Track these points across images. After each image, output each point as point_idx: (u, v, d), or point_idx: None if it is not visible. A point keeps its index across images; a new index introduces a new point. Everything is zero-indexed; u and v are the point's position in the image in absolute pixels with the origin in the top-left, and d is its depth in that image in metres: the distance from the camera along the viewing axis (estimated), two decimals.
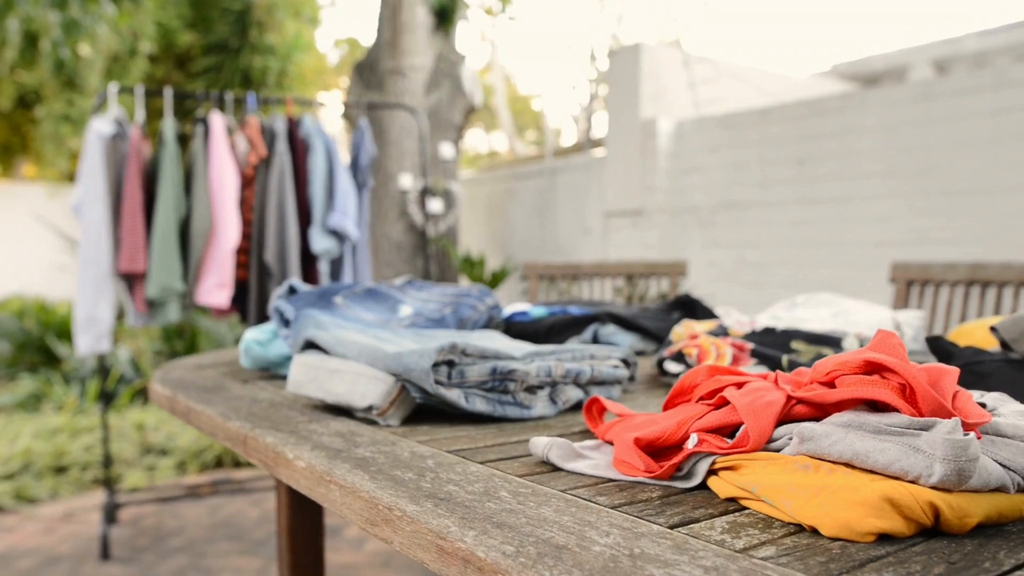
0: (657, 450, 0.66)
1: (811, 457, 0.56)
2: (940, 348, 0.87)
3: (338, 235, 3.06)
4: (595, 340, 1.49)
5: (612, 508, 0.58)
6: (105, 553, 2.76)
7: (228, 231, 2.74)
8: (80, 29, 5.39)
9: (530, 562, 0.48)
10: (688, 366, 1.13)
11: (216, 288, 2.64)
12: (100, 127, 2.66)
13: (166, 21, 8.41)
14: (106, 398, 2.99)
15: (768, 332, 1.14)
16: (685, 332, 1.21)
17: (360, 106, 3.89)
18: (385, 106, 4.12)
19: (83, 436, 3.93)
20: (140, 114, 2.94)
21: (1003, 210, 3.09)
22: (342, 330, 1.02)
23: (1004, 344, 0.83)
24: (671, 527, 0.54)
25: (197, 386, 1.18)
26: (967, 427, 0.53)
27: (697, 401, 0.68)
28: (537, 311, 1.55)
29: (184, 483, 3.57)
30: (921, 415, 0.54)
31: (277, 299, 1.25)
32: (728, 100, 4.76)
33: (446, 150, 4.55)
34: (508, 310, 1.58)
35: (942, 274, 1.94)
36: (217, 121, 2.88)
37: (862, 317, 1.45)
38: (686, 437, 0.63)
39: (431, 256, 4.64)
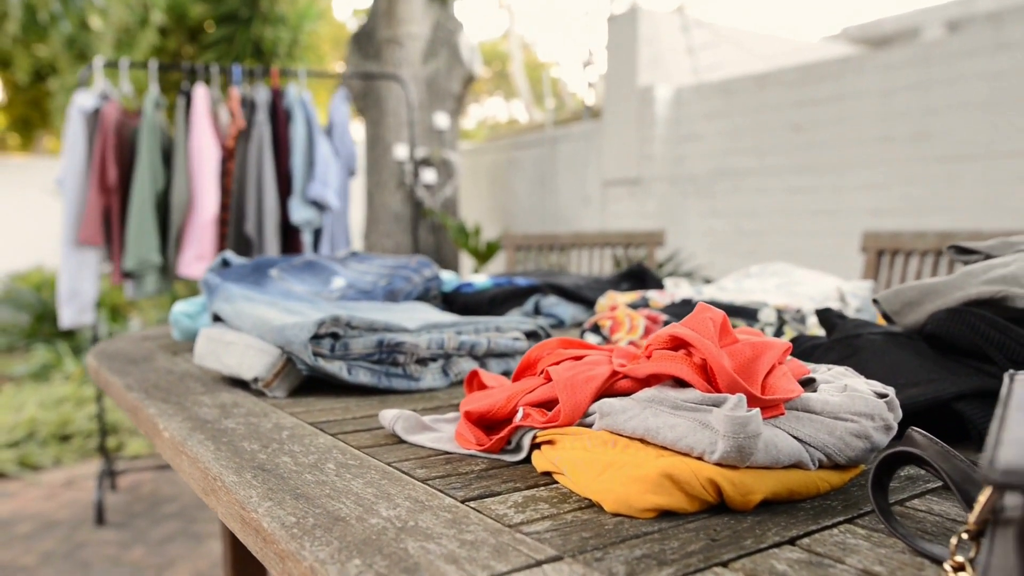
0: (494, 423, 0.66)
1: (611, 433, 0.55)
2: (827, 320, 0.86)
3: (319, 205, 3.07)
4: (537, 311, 1.49)
5: (422, 481, 0.58)
6: (100, 518, 2.83)
7: (206, 203, 2.76)
8: (78, 2, 5.41)
9: (301, 533, 0.48)
10: (604, 338, 1.12)
11: (195, 260, 2.67)
12: (82, 101, 2.68)
13: None
14: None
15: (685, 303, 1.13)
16: (607, 303, 1.21)
17: (349, 76, 3.87)
18: (372, 76, 4.09)
19: (88, 405, 4.02)
20: (125, 86, 2.96)
21: (1000, 176, 3.01)
22: (249, 303, 1.03)
23: (886, 316, 0.81)
24: (464, 500, 0.54)
25: (125, 358, 1.20)
26: (755, 402, 0.52)
27: (539, 374, 0.68)
28: (482, 282, 1.55)
29: None
30: (719, 391, 0.54)
31: (207, 272, 1.26)
32: (728, 66, 4.66)
33: (441, 120, 4.52)
34: (455, 281, 1.59)
35: (911, 243, 1.90)
36: (200, 93, 2.88)
37: (808, 288, 1.43)
38: (515, 411, 0.63)
39: (422, 227, 4.65)
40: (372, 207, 4.69)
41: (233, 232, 2.90)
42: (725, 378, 0.53)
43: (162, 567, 2.47)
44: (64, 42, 7.00)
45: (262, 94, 2.96)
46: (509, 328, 1.03)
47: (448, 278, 1.61)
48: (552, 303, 1.48)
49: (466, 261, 5.44)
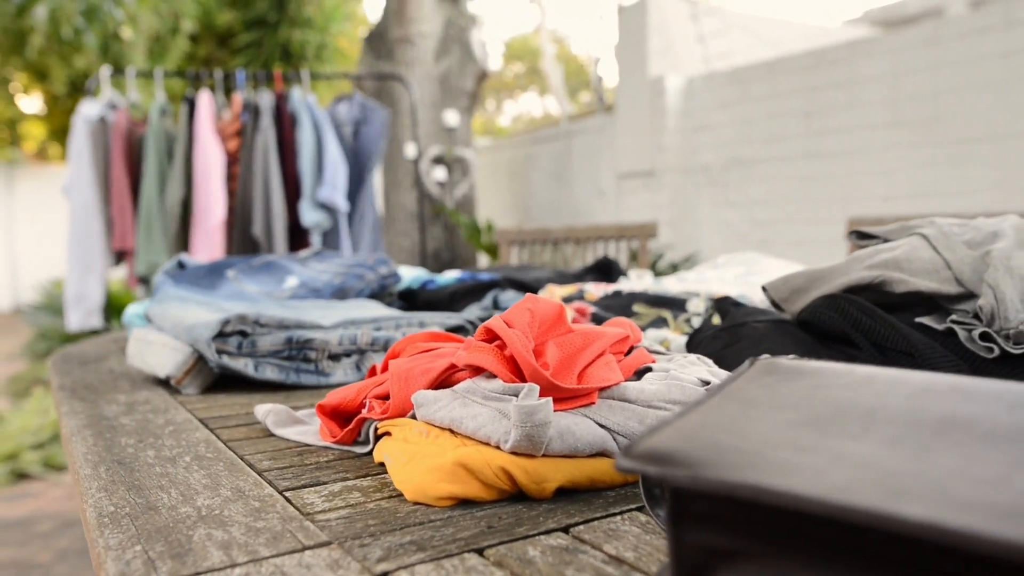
0: (348, 415, 0.67)
1: (427, 423, 0.57)
2: (721, 308, 0.86)
3: (329, 208, 3.11)
4: (496, 306, 1.50)
5: (259, 473, 0.60)
6: None
7: (213, 208, 2.83)
8: (101, 14, 5.58)
9: (108, 521, 0.50)
10: None
11: None
12: (87, 111, 2.76)
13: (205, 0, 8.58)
14: None
15: (616, 295, 1.13)
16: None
17: (354, 77, 3.91)
18: (378, 76, 4.14)
19: None
20: (133, 95, 3.04)
21: (1012, 158, 2.92)
22: (181, 304, 1.06)
23: (775, 304, 0.81)
24: (284, 490, 0.55)
25: (79, 359, 1.24)
26: (556, 391, 0.53)
27: None
28: (444, 279, 1.57)
29: None
30: (525, 382, 0.54)
31: (160, 274, 1.30)
32: (740, 53, 4.59)
33: (450, 118, 4.55)
34: (422, 278, 1.60)
35: None
36: (203, 100, 2.95)
37: (765, 278, 1.42)
38: (363, 403, 0.65)
39: (437, 224, 4.68)
40: (388, 206, 4.74)
41: (238, 235, 2.96)
42: (527, 368, 0.53)
43: None
44: (98, 52, 7.21)
45: (265, 98, 3.02)
46: (432, 323, 1.04)
47: (414, 275, 1.62)
48: (510, 297, 1.48)
49: (483, 258, 5.46)
